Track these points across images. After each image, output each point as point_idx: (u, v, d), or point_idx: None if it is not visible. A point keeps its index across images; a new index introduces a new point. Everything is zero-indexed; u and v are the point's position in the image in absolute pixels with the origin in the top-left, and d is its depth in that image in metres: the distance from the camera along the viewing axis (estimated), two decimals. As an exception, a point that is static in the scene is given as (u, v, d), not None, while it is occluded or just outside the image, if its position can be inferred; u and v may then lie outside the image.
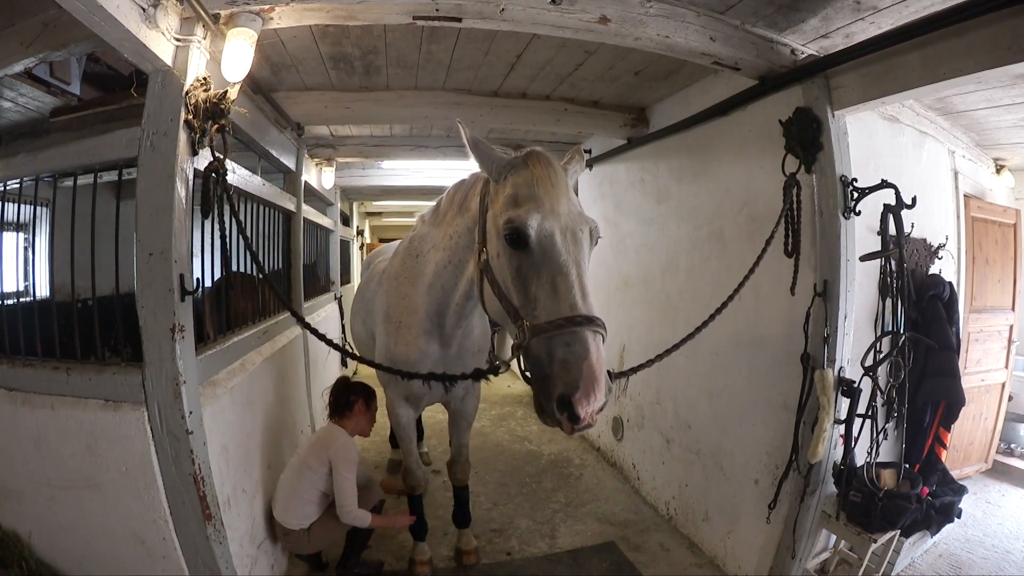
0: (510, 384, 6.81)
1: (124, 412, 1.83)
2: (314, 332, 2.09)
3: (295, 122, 3.46)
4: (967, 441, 3.90)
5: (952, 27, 1.80)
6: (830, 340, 2.32)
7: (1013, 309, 4.10)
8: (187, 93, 1.81)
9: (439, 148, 4.68)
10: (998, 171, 4.11)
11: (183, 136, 1.81)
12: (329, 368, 4.91)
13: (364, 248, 10.71)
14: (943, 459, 3.17)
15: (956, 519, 2.79)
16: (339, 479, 2.48)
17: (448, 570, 2.90)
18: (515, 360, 1.64)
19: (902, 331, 2.44)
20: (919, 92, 2.09)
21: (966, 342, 3.62)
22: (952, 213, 3.57)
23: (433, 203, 2.38)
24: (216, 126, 1.89)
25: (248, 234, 2.84)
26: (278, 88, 3.17)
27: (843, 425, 2.36)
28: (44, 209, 2.59)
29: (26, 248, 3.09)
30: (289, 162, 3.81)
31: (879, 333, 2.47)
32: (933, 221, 3.35)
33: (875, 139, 2.84)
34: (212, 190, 1.96)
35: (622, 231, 4.22)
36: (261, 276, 2.18)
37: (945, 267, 3.38)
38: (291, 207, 3.82)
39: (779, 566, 2.51)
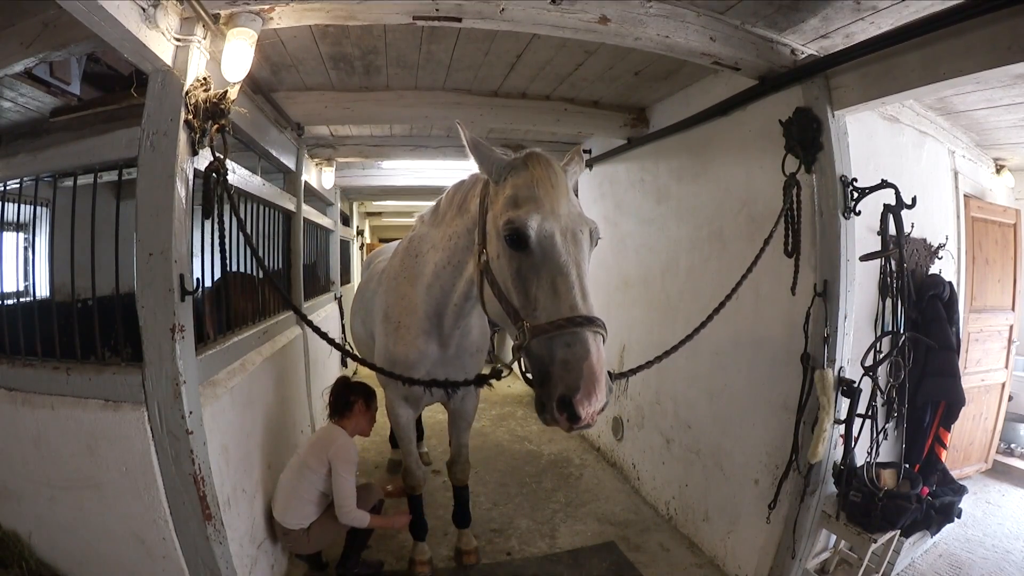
0: (510, 384, 6.80)
1: (124, 412, 1.83)
2: (315, 329, 2.09)
3: (295, 122, 3.46)
4: (967, 441, 3.90)
5: (952, 27, 1.80)
6: (830, 340, 2.32)
7: (1013, 309, 4.10)
8: (187, 93, 1.81)
9: (439, 148, 4.68)
10: (998, 171, 4.11)
11: (183, 136, 1.81)
12: (329, 368, 4.91)
13: (364, 248, 10.71)
14: (943, 459, 3.17)
15: (956, 519, 2.79)
16: (338, 480, 2.48)
17: (448, 570, 2.90)
18: (516, 362, 1.64)
19: (902, 331, 2.44)
20: (919, 92, 2.09)
21: (966, 342, 3.62)
22: (952, 213, 3.57)
23: (432, 204, 2.38)
24: (216, 126, 1.89)
25: (249, 234, 2.85)
26: (278, 88, 3.17)
27: (843, 425, 2.36)
28: (44, 209, 2.59)
29: (26, 248, 3.09)
30: (289, 162, 3.81)
31: (879, 333, 2.47)
32: (933, 221, 3.35)
33: (875, 139, 2.84)
34: (212, 190, 1.96)
35: (622, 231, 4.22)
36: (263, 274, 2.18)
37: (945, 267, 3.38)
38: (291, 207, 3.82)
39: (779, 566, 2.51)
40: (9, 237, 2.90)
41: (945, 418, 3.16)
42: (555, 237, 1.51)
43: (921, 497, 2.51)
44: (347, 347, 4.58)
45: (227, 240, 2.01)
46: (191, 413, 1.82)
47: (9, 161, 2.25)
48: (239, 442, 2.36)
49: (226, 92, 1.90)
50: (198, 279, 1.96)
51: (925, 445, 3.12)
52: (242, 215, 2.66)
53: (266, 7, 1.88)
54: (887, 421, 2.52)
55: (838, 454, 2.43)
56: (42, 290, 2.99)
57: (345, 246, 7.67)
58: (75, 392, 1.91)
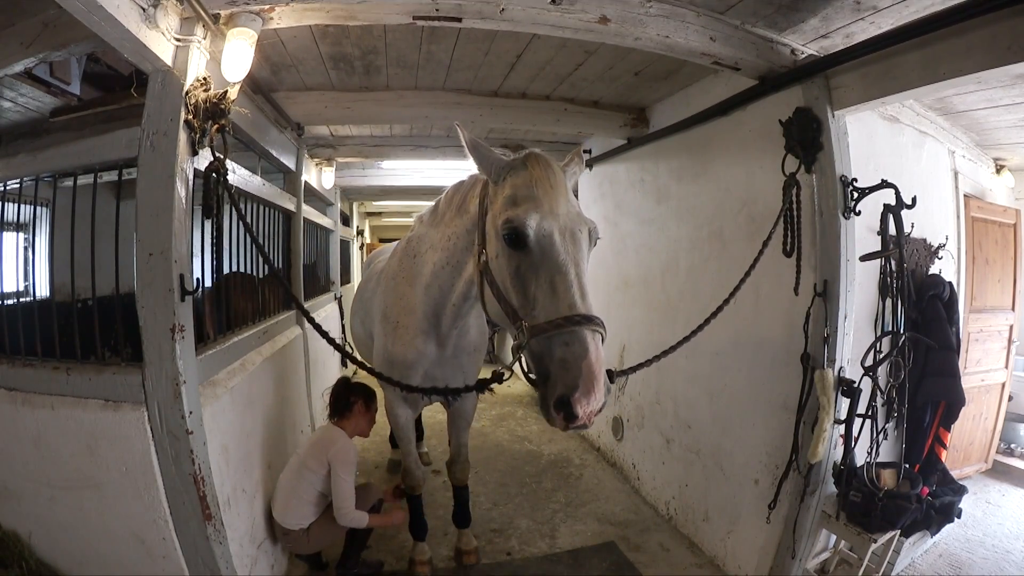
0: (510, 384, 6.78)
1: (124, 412, 1.83)
2: (316, 327, 2.09)
3: (295, 122, 3.46)
4: (967, 441, 3.90)
5: (952, 27, 1.80)
6: (830, 340, 2.32)
7: (1013, 309, 4.10)
8: (187, 93, 1.81)
9: (439, 148, 4.68)
10: (998, 171, 4.11)
11: (183, 136, 1.81)
12: (329, 368, 4.91)
13: (364, 248, 10.71)
14: (943, 459, 3.17)
15: (956, 519, 2.79)
16: (337, 481, 2.48)
17: (448, 570, 2.90)
18: (516, 362, 1.64)
19: (902, 331, 2.44)
20: (919, 92, 2.09)
21: (966, 342, 3.62)
22: (952, 213, 3.57)
23: (431, 204, 2.39)
24: (216, 126, 1.89)
25: (254, 232, 2.85)
26: (278, 88, 3.17)
27: (843, 425, 2.36)
28: (44, 209, 2.59)
29: (26, 248, 3.09)
30: (289, 162, 3.81)
31: (879, 333, 2.47)
32: (933, 221, 3.35)
33: (875, 139, 2.84)
34: (212, 190, 1.96)
35: (622, 231, 4.22)
36: (268, 270, 2.18)
37: (945, 267, 3.38)
38: (291, 207, 3.82)
39: (779, 566, 2.51)
40: (9, 237, 2.91)
41: (945, 418, 3.16)
42: (554, 236, 1.52)
43: (921, 497, 2.51)
44: (347, 347, 4.59)
45: (227, 240, 2.00)
46: (191, 413, 1.81)
47: (9, 161, 2.25)
48: (239, 442, 2.36)
49: (226, 92, 1.90)
50: (198, 279, 1.96)
51: (925, 445, 3.12)
52: (243, 214, 2.66)
53: (266, 7, 1.88)
54: (887, 421, 2.52)
55: (838, 454, 2.43)
56: (42, 290, 2.99)
57: (345, 246, 7.67)
58: (75, 392, 1.91)
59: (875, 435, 2.40)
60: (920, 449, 3.09)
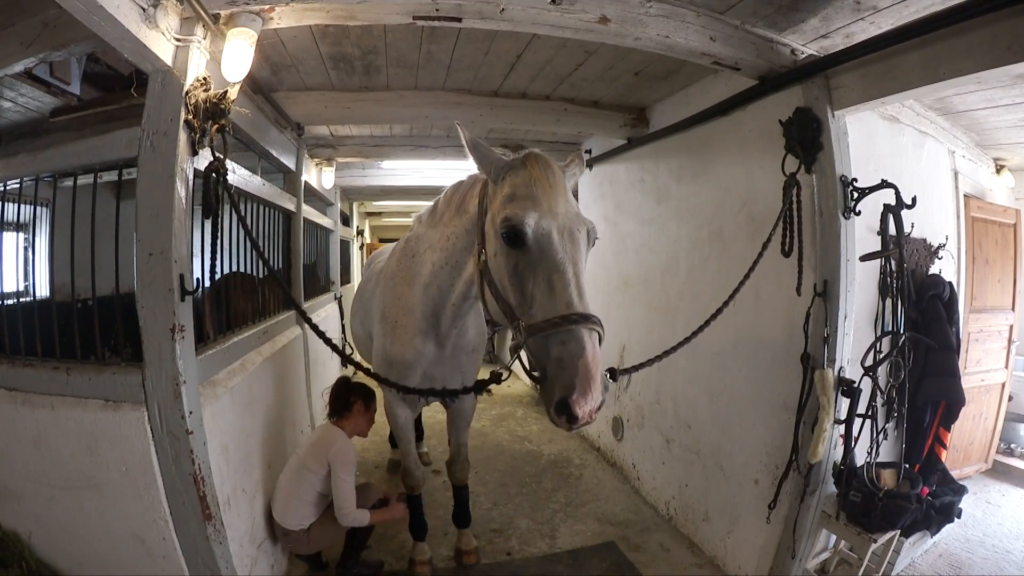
0: (510, 384, 6.81)
1: (124, 412, 1.83)
2: (314, 328, 2.09)
3: (295, 122, 3.46)
4: (967, 441, 3.90)
5: (952, 27, 1.80)
6: (830, 340, 2.32)
7: (1013, 309, 4.10)
8: (187, 93, 1.81)
9: (439, 148, 4.68)
10: (998, 171, 4.11)
11: (183, 136, 1.81)
12: (329, 368, 4.91)
13: (364, 248, 10.71)
14: (943, 459, 3.17)
15: (956, 519, 2.79)
16: (337, 482, 2.48)
17: (448, 570, 2.90)
18: (515, 363, 1.64)
19: (902, 331, 2.44)
20: (919, 92, 2.09)
21: (966, 342, 3.62)
22: (952, 213, 3.57)
23: (430, 204, 2.39)
24: (216, 126, 1.89)
25: (252, 233, 2.84)
26: (278, 88, 3.17)
27: (843, 425, 2.36)
28: (44, 209, 2.59)
29: (26, 248, 3.09)
30: (289, 162, 3.81)
31: (879, 333, 2.47)
32: (933, 221, 3.35)
33: (875, 139, 2.84)
34: (212, 190, 1.96)
35: (622, 231, 4.22)
36: (267, 272, 2.18)
37: (945, 267, 3.38)
38: (291, 207, 3.82)
39: (779, 566, 2.51)
40: (9, 237, 2.91)
41: (945, 418, 3.16)
42: (552, 235, 1.52)
43: (921, 497, 2.51)
44: (347, 348, 4.59)
45: (227, 240, 2.00)
46: (191, 413, 1.81)
47: (9, 161, 2.25)
48: (239, 442, 2.36)
49: (226, 92, 1.90)
50: (198, 279, 1.96)
51: (925, 445, 3.12)
52: (242, 215, 2.66)
53: (266, 7, 1.88)
54: (887, 421, 2.52)
55: (838, 454, 2.43)
56: (42, 290, 2.99)
57: (345, 246, 7.67)
58: (75, 392, 1.91)
59: (875, 435, 2.40)
60: (920, 449, 3.09)
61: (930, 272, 3.24)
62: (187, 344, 1.85)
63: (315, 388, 4.06)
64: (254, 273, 3.02)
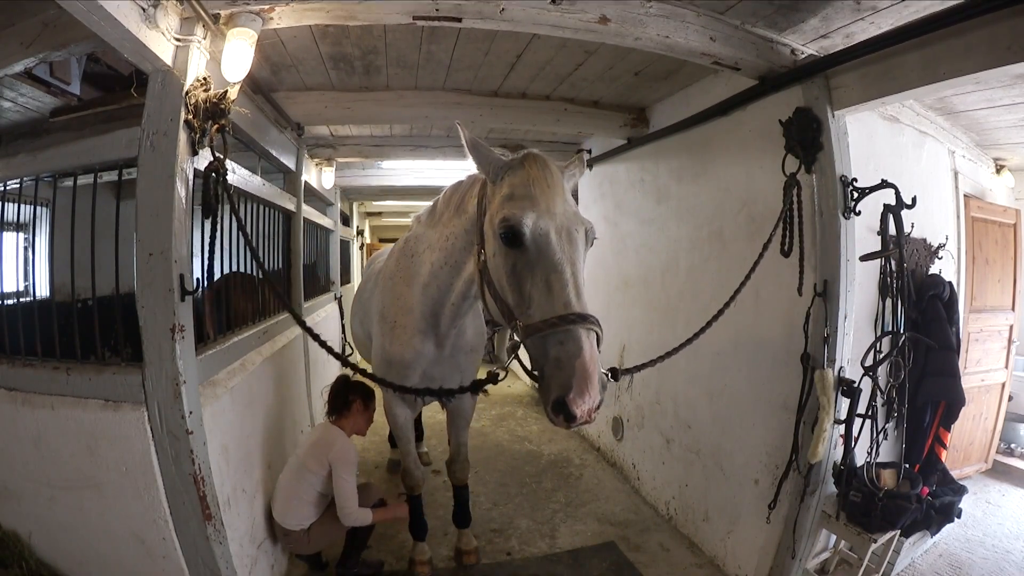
0: (510, 384, 6.81)
1: (124, 412, 1.83)
2: (309, 331, 2.09)
3: (295, 122, 3.46)
4: (967, 441, 3.90)
5: (952, 27, 1.80)
6: (830, 340, 2.32)
7: (1013, 309, 4.10)
8: (187, 93, 1.81)
9: (439, 148, 4.68)
10: (998, 171, 4.11)
11: (183, 136, 1.81)
12: (329, 367, 4.91)
13: (364, 248, 10.71)
14: (943, 459, 3.17)
15: (956, 519, 2.80)
16: (339, 482, 2.48)
17: (448, 570, 2.90)
18: (514, 362, 1.64)
19: (902, 331, 2.44)
20: (919, 92, 2.09)
21: (966, 342, 3.62)
22: (952, 213, 3.57)
23: (429, 204, 2.39)
24: (216, 126, 1.89)
25: (249, 234, 2.84)
26: (278, 88, 3.17)
27: (843, 425, 2.36)
28: (44, 209, 2.59)
29: (26, 248, 3.09)
30: (289, 162, 3.81)
31: (879, 333, 2.47)
32: (933, 221, 3.35)
33: (875, 139, 2.84)
34: (212, 190, 1.96)
35: (622, 231, 4.22)
36: (270, 270, 2.18)
37: (945, 267, 3.38)
38: (291, 207, 3.82)
39: (779, 566, 2.51)
40: (9, 237, 2.91)
41: (945, 418, 3.16)
42: (550, 235, 1.52)
43: (921, 497, 2.51)
44: (346, 348, 4.59)
45: (228, 240, 2.01)
46: (191, 413, 1.82)
47: (9, 161, 2.25)
48: (239, 442, 2.36)
49: (226, 92, 1.91)
50: (198, 279, 1.96)
51: (925, 445, 3.12)
52: (242, 215, 2.66)
53: (266, 7, 1.88)
54: (887, 421, 2.52)
55: (838, 454, 2.43)
56: (42, 290, 2.99)
57: (345, 246, 7.67)
58: (75, 392, 1.91)
59: (875, 435, 2.40)
60: (920, 449, 3.09)
61: (930, 272, 3.24)
62: (187, 344, 1.85)
63: (315, 388, 4.06)
64: (254, 273, 3.02)
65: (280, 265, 3.77)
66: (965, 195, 3.65)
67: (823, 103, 2.31)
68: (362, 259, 10.20)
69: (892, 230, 2.37)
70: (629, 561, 3.00)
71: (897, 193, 2.32)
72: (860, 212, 2.32)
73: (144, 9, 1.63)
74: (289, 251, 3.90)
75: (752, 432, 2.76)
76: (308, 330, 2.08)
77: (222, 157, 1.95)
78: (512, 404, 6.01)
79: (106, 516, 1.94)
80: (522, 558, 3.02)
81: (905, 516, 2.40)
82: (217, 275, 2.48)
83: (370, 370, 2.45)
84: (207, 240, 1.99)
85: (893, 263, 2.43)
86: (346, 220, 8.07)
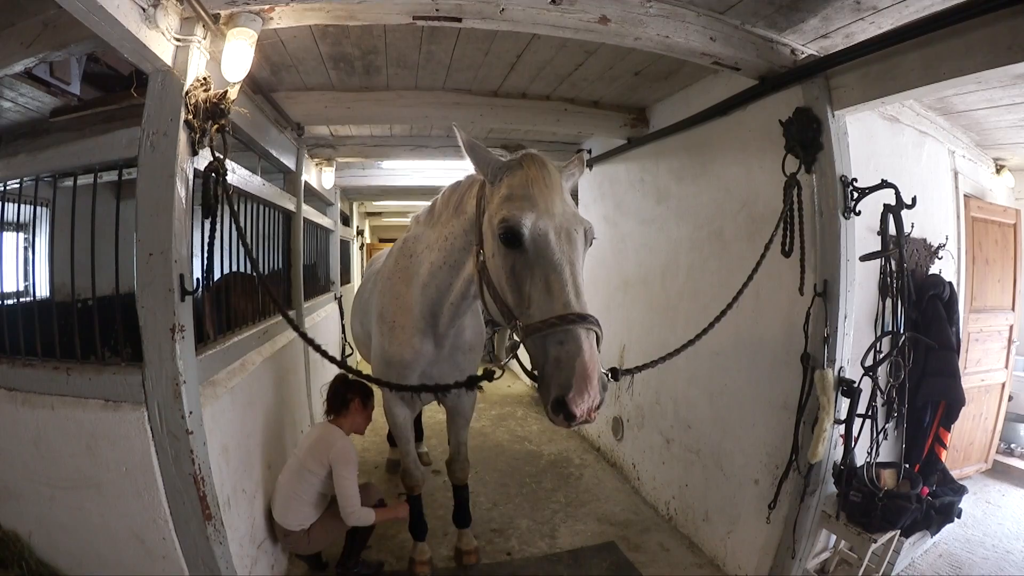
0: (510, 384, 6.81)
1: (124, 412, 1.83)
2: (303, 336, 2.09)
3: (295, 122, 3.46)
4: (967, 441, 3.90)
5: (952, 27, 1.80)
6: (830, 340, 2.32)
7: (1013, 309, 4.10)
8: (187, 93, 1.81)
9: (439, 148, 4.68)
10: (998, 171, 4.11)
11: (183, 136, 1.81)
12: (329, 367, 4.90)
13: (364, 248, 10.71)
14: (943, 459, 3.17)
15: (956, 519, 2.80)
16: (341, 481, 2.48)
17: (448, 570, 2.90)
18: (513, 361, 1.64)
19: (902, 331, 2.44)
20: (919, 92, 2.09)
21: (966, 342, 3.62)
22: (952, 213, 3.57)
23: (427, 204, 2.39)
24: (216, 126, 1.89)
25: (248, 235, 2.84)
26: (278, 88, 3.17)
27: (843, 425, 2.36)
28: (44, 209, 2.59)
29: (26, 248, 3.09)
30: (289, 162, 3.81)
31: (879, 333, 2.47)
32: (933, 221, 3.35)
33: (875, 139, 2.84)
34: (212, 190, 1.96)
35: (622, 231, 4.22)
36: (268, 270, 2.17)
37: (945, 267, 3.38)
38: (291, 207, 3.82)
39: (779, 566, 2.51)
40: (9, 237, 2.91)
41: (945, 418, 3.16)
42: (549, 235, 1.52)
43: (921, 497, 2.51)
44: (346, 348, 4.58)
45: (228, 240, 2.00)
46: (191, 413, 1.82)
47: (9, 161, 2.25)
48: (239, 442, 2.36)
49: (226, 92, 1.91)
50: (198, 279, 1.96)
51: (925, 445, 3.12)
52: (242, 216, 2.66)
53: (266, 7, 1.88)
54: (887, 421, 2.52)
55: (838, 454, 2.43)
56: (42, 290, 2.99)
57: (345, 246, 7.67)
58: (75, 392, 1.91)
59: (875, 435, 2.40)
60: (920, 449, 3.09)
61: (930, 272, 3.24)
62: (187, 344, 1.85)
63: (315, 388, 4.06)
64: (255, 272, 3.02)
65: (280, 265, 3.77)
66: (965, 195, 3.65)
67: (823, 103, 2.31)
68: (362, 259, 10.20)
69: (892, 230, 2.37)
70: (629, 561, 3.00)
71: (897, 193, 2.32)
72: (860, 212, 2.32)
73: (144, 9, 1.63)
74: (289, 251, 3.90)
75: (752, 432, 2.76)
76: (303, 335, 2.09)
77: (222, 157, 1.95)
78: (512, 404, 6.01)
79: (106, 516, 1.94)
80: (522, 558, 3.02)
81: (905, 516, 2.40)
82: (217, 275, 2.48)
83: (371, 371, 2.45)
84: (207, 240, 1.99)
85: (893, 263, 2.43)
86: (346, 220, 8.06)
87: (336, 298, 6.08)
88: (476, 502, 3.54)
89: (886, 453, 2.68)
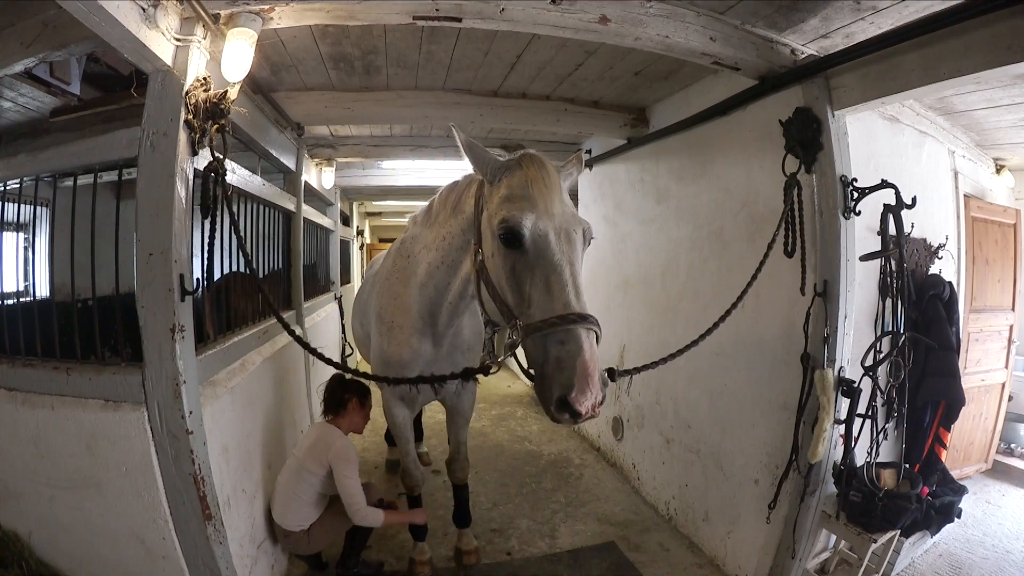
0: (510, 384, 6.82)
1: (124, 412, 1.83)
2: (299, 340, 2.09)
3: (295, 122, 3.46)
4: (967, 441, 3.90)
5: (952, 27, 1.80)
6: (830, 340, 2.32)
7: (1013, 309, 4.10)
8: (187, 93, 1.81)
9: (439, 148, 4.68)
10: (998, 171, 4.11)
11: (183, 136, 1.82)
12: (329, 367, 4.91)
13: (364, 248, 10.71)
14: (943, 459, 3.17)
15: (956, 519, 2.80)
16: (343, 480, 2.47)
17: (448, 570, 2.90)
18: (511, 359, 1.65)
19: (902, 331, 2.44)
20: (919, 92, 2.09)
21: (966, 342, 3.62)
22: (952, 213, 3.57)
23: (425, 204, 2.39)
24: (216, 126, 1.89)
25: (248, 235, 2.84)
26: (278, 88, 3.17)
27: (843, 425, 2.36)
28: (44, 209, 2.59)
29: (26, 248, 3.09)
30: (289, 162, 3.81)
31: (879, 333, 2.47)
32: (933, 221, 3.35)
33: (875, 139, 2.84)
34: (212, 190, 1.96)
35: (622, 231, 4.22)
36: (267, 271, 2.17)
37: (945, 267, 3.38)
38: (291, 207, 3.82)
39: (779, 566, 2.51)
40: (9, 237, 2.91)
41: (945, 418, 3.16)
42: (549, 236, 1.53)
43: (921, 497, 2.51)
44: (346, 348, 4.58)
45: (228, 240, 2.01)
46: (191, 413, 1.82)
47: (9, 161, 2.25)
48: (239, 442, 2.36)
49: (226, 92, 1.91)
50: (198, 279, 1.96)
51: (925, 445, 3.12)
52: (242, 216, 2.66)
53: (266, 7, 1.88)
54: (887, 421, 2.52)
55: (838, 454, 2.43)
56: (42, 290, 2.99)
57: (345, 246, 7.67)
58: (75, 392, 1.91)
59: (875, 435, 2.40)
60: (920, 449, 3.09)
61: (930, 272, 3.24)
62: (187, 344, 1.85)
63: (315, 388, 4.06)
64: (255, 272, 3.02)
65: (280, 265, 3.77)
66: (965, 195, 3.65)
67: (823, 103, 2.31)
68: (362, 259, 10.20)
69: (892, 230, 2.37)
70: (629, 561, 3.00)
71: (897, 193, 2.32)
72: (860, 212, 2.32)
73: (144, 9, 1.63)
74: (289, 251, 3.90)
75: (752, 432, 2.76)
76: (298, 339, 2.09)
77: (222, 157, 1.95)
78: (512, 404, 6.01)
79: (106, 516, 1.94)
80: (522, 558, 3.02)
81: (905, 516, 2.40)
82: (217, 275, 2.48)
83: (371, 371, 2.45)
84: (207, 240, 1.99)
85: (893, 263, 2.43)
86: (346, 220, 8.07)
87: (336, 298, 6.09)
88: (476, 502, 3.54)
89: (886, 453, 2.68)
